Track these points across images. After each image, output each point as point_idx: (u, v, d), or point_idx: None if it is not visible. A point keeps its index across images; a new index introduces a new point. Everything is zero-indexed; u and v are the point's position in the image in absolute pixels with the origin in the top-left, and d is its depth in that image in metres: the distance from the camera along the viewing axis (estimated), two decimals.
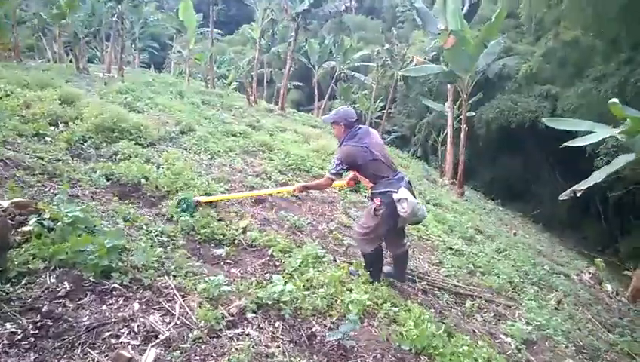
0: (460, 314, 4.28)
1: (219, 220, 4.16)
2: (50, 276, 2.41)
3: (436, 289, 4.52)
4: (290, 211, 5.37)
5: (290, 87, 27.60)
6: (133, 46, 27.99)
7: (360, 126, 3.81)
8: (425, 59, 19.09)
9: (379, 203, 3.65)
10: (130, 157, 5.22)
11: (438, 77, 15.80)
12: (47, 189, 3.63)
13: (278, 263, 3.73)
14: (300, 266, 3.60)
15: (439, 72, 13.65)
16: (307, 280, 3.40)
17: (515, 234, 10.57)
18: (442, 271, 5.27)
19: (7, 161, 3.90)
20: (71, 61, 19.00)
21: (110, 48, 20.80)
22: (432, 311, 3.91)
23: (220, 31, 30.93)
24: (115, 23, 18.33)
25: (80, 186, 4.01)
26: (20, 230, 2.72)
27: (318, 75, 26.71)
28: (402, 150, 22.06)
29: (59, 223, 2.76)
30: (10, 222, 2.79)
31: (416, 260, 5.31)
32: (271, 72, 30.44)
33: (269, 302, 2.85)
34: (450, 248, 6.33)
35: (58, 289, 2.32)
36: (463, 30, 12.07)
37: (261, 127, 10.96)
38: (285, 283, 3.07)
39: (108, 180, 4.43)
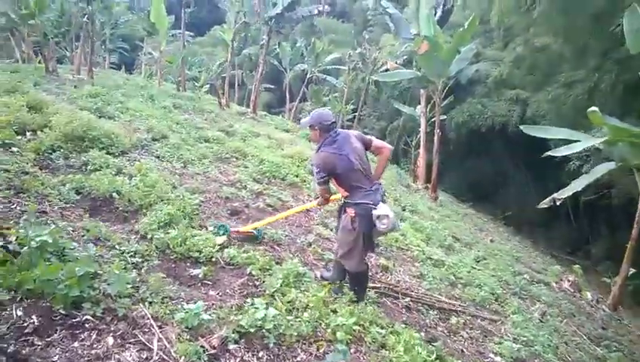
0: (446, 331, 4.27)
1: (193, 236, 4.03)
2: (16, 309, 2.26)
3: (420, 304, 4.51)
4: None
5: (262, 90, 27.43)
6: (103, 47, 27.20)
7: (339, 131, 3.55)
8: (396, 63, 19.39)
9: (353, 214, 3.46)
10: (102, 168, 5.03)
11: (411, 82, 15.98)
12: (14, 207, 3.44)
13: (257, 283, 3.65)
14: (281, 286, 3.52)
15: (412, 77, 13.82)
16: (289, 302, 3.32)
17: (491, 240, 10.75)
18: (424, 285, 5.27)
19: None
20: (40, 62, 18.28)
21: (80, 49, 20.14)
22: (419, 329, 3.90)
23: (191, 33, 30.47)
24: (85, 24, 17.79)
25: (49, 202, 3.82)
26: None
27: (289, 78, 26.62)
28: None
29: (25, 248, 2.60)
30: None
31: (397, 273, 5.30)
32: (242, 74, 30.18)
33: (252, 330, 2.76)
34: (430, 258, 6.35)
35: (25, 324, 2.17)
36: (436, 36, 12.26)
37: (234, 132, 10.81)
38: (267, 306, 2.99)
39: (78, 194, 4.24)
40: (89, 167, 5.02)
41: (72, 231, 3.43)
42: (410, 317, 4.28)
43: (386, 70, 18.42)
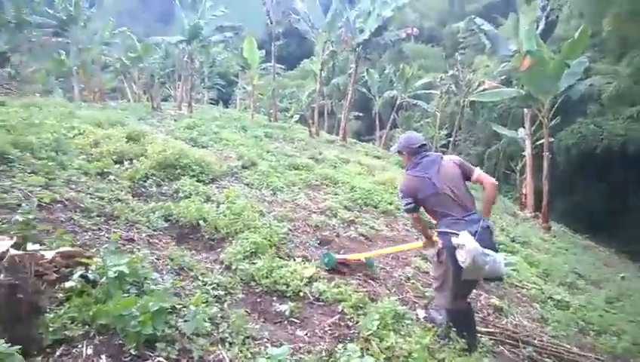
0: None
1: (280, 267, 3.71)
2: (87, 347, 2.05)
3: (545, 355, 3.74)
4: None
5: (351, 118, 27.45)
6: (202, 84, 29.33)
7: (427, 153, 3.25)
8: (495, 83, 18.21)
9: (440, 246, 3.11)
10: (191, 195, 5.00)
11: (514, 101, 14.80)
12: (102, 234, 3.40)
13: (350, 323, 3.20)
14: (377, 329, 3.03)
15: (515, 95, 12.72)
16: (388, 349, 2.83)
17: (622, 278, 9.21)
18: (548, 331, 4.45)
19: (66, 202, 3.75)
20: (147, 100, 20.06)
21: (181, 87, 21.81)
22: None
23: (281, 66, 31.73)
24: (185, 64, 19.21)
25: (137, 229, 3.77)
26: (62, 286, 2.42)
27: (378, 105, 26.32)
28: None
29: (103, 278, 2.44)
30: (54, 275, 2.52)
31: (513, 316, 4.54)
32: (331, 103, 30.53)
33: None
34: (551, 298, 5.44)
35: None
36: (540, 50, 11.20)
37: (324, 159, 10.61)
38: (362, 354, 2.53)
39: (167, 221, 4.18)
40: (179, 194, 5.01)
41: (157, 259, 3.28)
42: None
43: (484, 90, 17.43)
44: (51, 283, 2.47)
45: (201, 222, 4.19)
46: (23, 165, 4.30)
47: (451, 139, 23.57)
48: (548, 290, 5.64)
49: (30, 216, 2.98)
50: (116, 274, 2.42)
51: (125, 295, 2.45)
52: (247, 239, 3.96)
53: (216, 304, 2.90)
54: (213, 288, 3.07)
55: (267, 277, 3.50)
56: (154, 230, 3.88)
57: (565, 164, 17.44)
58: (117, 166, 5.32)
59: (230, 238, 4.12)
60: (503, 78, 19.72)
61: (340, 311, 3.33)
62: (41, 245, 2.71)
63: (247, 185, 6.52)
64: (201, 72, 26.65)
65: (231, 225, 4.28)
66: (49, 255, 2.55)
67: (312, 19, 16.66)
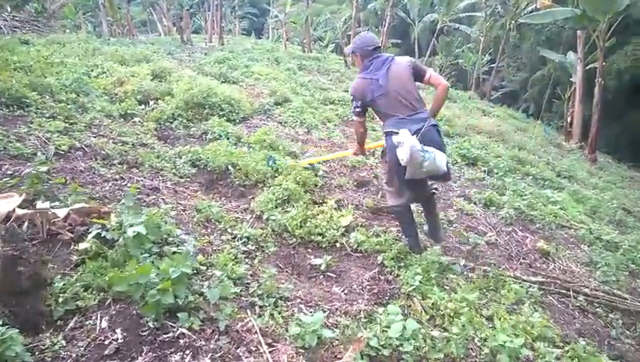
0: (635, 344, 3.13)
1: (315, 216, 3.41)
2: (101, 319, 1.84)
3: (597, 305, 3.38)
4: None
5: (389, 45, 25.94)
6: (233, 14, 28.21)
7: (378, 54, 3.08)
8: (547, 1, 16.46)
9: (384, 145, 3.12)
10: (220, 136, 4.69)
11: (568, 22, 13.30)
12: (124, 183, 3.16)
13: (390, 277, 2.91)
14: (420, 283, 2.73)
15: (570, 15, 11.35)
16: (432, 307, 2.54)
17: None
18: (597, 276, 4.05)
19: (87, 149, 3.52)
20: (177, 33, 19.47)
21: (211, 18, 20.98)
22: (599, 342, 2.86)
23: None
24: None
25: (162, 177, 3.52)
26: (76, 247, 2.21)
27: (417, 30, 24.60)
28: (511, 107, 19.56)
29: (120, 239, 2.20)
30: (69, 234, 2.30)
31: (561, 260, 4.14)
32: (368, 29, 28.85)
33: (386, 353, 2.05)
34: (599, 238, 4.97)
35: (107, 343, 1.73)
36: None
37: None
38: (404, 316, 2.25)
39: (194, 166, 3.91)
40: (208, 136, 4.72)
41: (183, 210, 3.04)
42: (586, 323, 3.20)
43: (535, 10, 15.78)
44: (65, 243, 2.26)
45: (230, 167, 3.89)
46: (42, 109, 4.06)
47: (494, 65, 22.03)
48: (596, 230, 5.14)
49: (42, 169, 2.76)
50: (134, 234, 2.17)
51: (146, 255, 2.23)
52: (279, 185, 3.66)
53: (246, 261, 2.65)
54: (243, 242, 2.81)
55: (301, 227, 3.22)
56: (180, 177, 3.63)
57: (616, 89, 15.93)
58: (141, 106, 5.04)
59: (262, 184, 3.83)
60: None
61: (379, 263, 3.04)
62: (54, 201, 2.49)
63: (280, 123, 6.15)
64: (231, 0, 25.48)
65: (262, 169, 3.97)
66: (62, 213, 2.32)
67: None
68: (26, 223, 2.27)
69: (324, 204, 3.71)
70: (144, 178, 3.35)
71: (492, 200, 4.97)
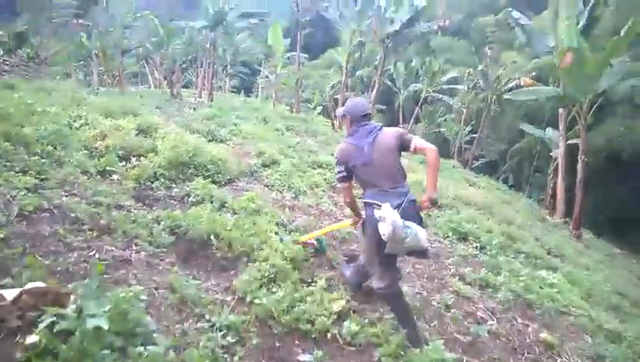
0: None
1: (303, 299, 3.09)
2: None
3: None
4: None
5: (375, 111, 26.61)
6: (224, 72, 28.81)
7: (367, 122, 3.10)
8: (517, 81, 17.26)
9: (364, 217, 3.12)
10: (204, 200, 4.40)
11: (550, 100, 13.84)
12: (91, 254, 2.81)
13: None
14: None
15: (553, 94, 11.82)
16: None
17: None
18: None
19: (55, 210, 3.18)
20: (168, 86, 19.61)
21: (202, 74, 21.31)
22: None
23: (305, 55, 30.94)
24: (208, 50, 18.66)
25: (136, 246, 3.17)
26: (23, 340, 1.83)
27: (402, 98, 25.43)
28: (491, 176, 19.90)
29: (78, 330, 1.84)
30: (17, 322, 1.93)
31: (567, 354, 3.84)
32: (355, 95, 29.67)
33: None
34: (600, 327, 4.72)
35: None
36: (582, 47, 10.30)
37: None
38: None
39: (172, 234, 3.57)
40: (190, 198, 4.42)
41: (156, 289, 2.68)
42: None
43: (516, 87, 16.47)
44: (11, 333, 1.89)
45: (212, 236, 3.57)
46: (12, 162, 3.73)
47: (475, 135, 22.71)
48: (596, 318, 4.91)
49: None
50: (94, 327, 1.82)
51: (106, 352, 1.86)
52: (265, 261, 3.34)
53: (225, 356, 2.28)
54: (222, 334, 2.44)
55: (288, 312, 2.88)
56: (156, 246, 3.28)
57: (593, 166, 16.45)
58: (122, 163, 4.75)
59: (246, 257, 3.51)
60: (533, 74, 18.82)
61: (376, 360, 2.69)
62: (6, 277, 2.13)
63: (267, 186, 5.90)
64: (223, 59, 26.09)
65: (247, 239, 3.66)
66: (11, 294, 1.96)
67: (341, 8, 15.87)
68: None
69: (313, 284, 3.39)
70: (115, 247, 3.00)
71: (488, 281, 4.72)
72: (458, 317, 3.80)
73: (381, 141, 2.99)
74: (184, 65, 23.89)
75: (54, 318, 1.93)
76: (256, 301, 2.83)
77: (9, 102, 5.34)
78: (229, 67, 28.39)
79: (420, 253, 3.05)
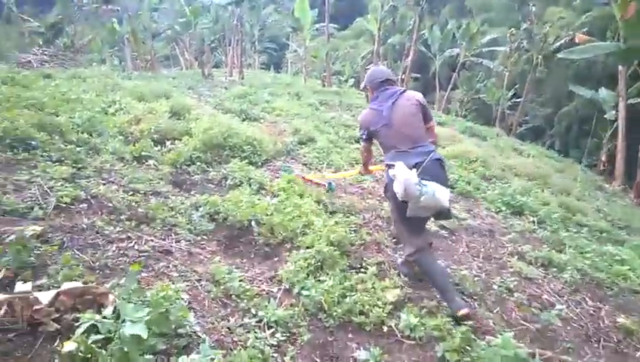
0: None
1: (354, 287, 2.87)
2: None
3: None
4: (445, 253, 3.95)
5: (410, 80, 25.74)
6: (252, 48, 28.46)
7: (387, 87, 3.11)
8: (572, 38, 16.06)
9: (385, 180, 3.06)
10: (242, 183, 4.22)
11: (610, 57, 12.74)
12: (130, 245, 2.68)
13: None
14: None
15: (614, 49, 10.79)
16: None
17: None
18: None
19: (92, 200, 3.07)
20: (199, 67, 19.55)
21: (231, 52, 21.09)
22: None
23: (335, 25, 30.18)
24: (235, 27, 18.39)
25: (176, 235, 3.04)
26: (60, 347, 1.70)
27: (438, 64, 24.36)
28: (535, 143, 18.93)
29: (117, 335, 1.70)
30: (54, 325, 1.81)
31: None
32: (387, 64, 28.79)
33: None
34: None
35: None
36: None
37: None
38: None
39: (212, 220, 3.42)
40: (228, 182, 4.26)
41: (198, 281, 2.53)
42: None
43: (566, 45, 15.39)
44: (49, 337, 1.77)
45: (253, 222, 3.39)
46: (49, 152, 3.66)
47: (518, 99, 21.51)
48: None
49: (35, 230, 2.29)
50: (131, 335, 1.66)
51: (149, 357, 1.71)
52: (310, 247, 3.14)
53: (275, 356, 2.10)
54: (271, 331, 2.26)
55: (339, 303, 2.67)
56: (196, 234, 3.14)
57: None
58: (157, 147, 4.63)
59: (289, 243, 3.32)
60: (585, 30, 17.47)
61: (439, 356, 2.45)
62: (42, 277, 2.01)
63: (306, 165, 5.69)
64: (251, 35, 25.72)
65: (289, 223, 3.46)
66: (47, 296, 1.83)
67: None
68: (3, 310, 1.79)
69: (363, 270, 3.17)
70: (154, 237, 2.87)
71: (551, 259, 4.32)
72: (522, 302, 3.49)
73: (401, 104, 3.00)
74: (213, 45, 23.66)
75: (92, 322, 1.79)
76: (304, 292, 2.64)
77: (43, 91, 5.30)
78: (257, 43, 27.97)
79: (443, 213, 3.00)
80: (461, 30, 22.45)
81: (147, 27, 18.82)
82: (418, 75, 29.29)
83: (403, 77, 19.24)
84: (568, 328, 3.18)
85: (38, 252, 2.20)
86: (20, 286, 1.79)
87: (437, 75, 24.71)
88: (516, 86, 22.08)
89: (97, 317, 1.76)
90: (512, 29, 21.08)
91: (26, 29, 17.65)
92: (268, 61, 33.73)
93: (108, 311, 1.89)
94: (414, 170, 2.71)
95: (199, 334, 1.99)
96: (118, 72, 11.89)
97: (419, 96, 3.09)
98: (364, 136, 3.21)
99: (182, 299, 2.12)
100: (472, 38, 22.20)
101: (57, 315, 1.85)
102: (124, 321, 1.72)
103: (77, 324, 1.79)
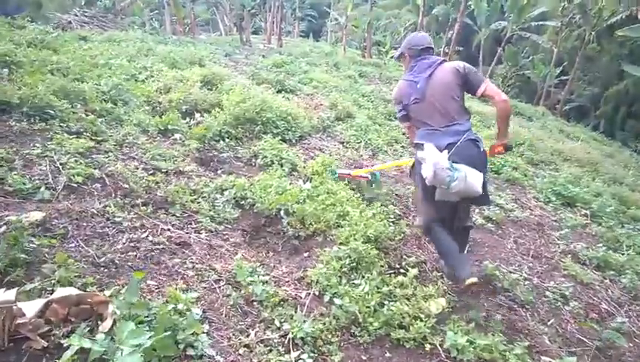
0: None
1: (392, 294, 2.51)
2: None
3: None
4: (491, 249, 3.54)
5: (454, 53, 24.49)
6: (293, 16, 27.74)
7: (426, 56, 2.76)
8: (631, 13, 14.66)
9: (415, 160, 2.81)
10: (273, 163, 3.87)
11: None
12: (144, 235, 2.38)
13: None
14: None
15: None
16: None
17: None
18: None
19: (107, 179, 2.79)
20: (238, 33, 19.13)
21: (271, 19, 20.53)
22: None
23: None
24: None
25: (196, 224, 2.73)
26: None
27: (483, 38, 23.01)
28: (580, 123, 17.72)
29: (118, 346, 1.40)
30: (41, 342, 1.52)
31: None
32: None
33: None
34: None
35: None
36: None
37: None
38: None
39: (238, 206, 3.10)
40: (258, 161, 3.91)
41: (216, 282, 2.22)
42: None
43: (622, 21, 14.08)
44: (34, 357, 1.49)
45: (282, 211, 3.05)
46: (68, 121, 3.39)
47: (565, 77, 20.12)
48: None
49: (36, 217, 2.02)
50: (133, 349, 1.36)
51: None
52: (345, 244, 2.77)
53: None
54: (298, 353, 1.92)
55: (375, 313, 2.31)
56: (219, 223, 2.82)
57: None
58: (186, 120, 4.31)
59: (321, 236, 2.96)
60: None
61: None
62: (33, 279, 1.73)
63: (342, 143, 5.28)
64: (292, 2, 24.98)
65: (322, 214, 3.10)
66: (34, 307, 1.55)
67: None
68: None
69: (402, 271, 2.79)
70: (172, 226, 2.57)
71: (608, 261, 3.85)
72: (579, 312, 3.07)
73: (439, 76, 2.67)
74: (253, 11, 23.14)
75: (86, 336, 1.50)
76: (337, 300, 2.28)
77: (72, 55, 5.05)
78: (297, 10, 27.24)
79: (478, 199, 2.65)
80: (510, 1, 20.98)
81: None
82: (460, 48, 27.91)
83: (447, 50, 18.25)
84: (631, 344, 2.74)
85: (36, 244, 1.93)
86: (1, 295, 1.51)
87: (481, 49, 23.43)
88: (565, 63, 20.65)
89: (94, 334, 1.47)
90: (564, 2, 19.48)
91: None
92: (307, 29, 32.98)
93: (106, 323, 1.60)
94: (445, 151, 2.49)
95: (212, 354, 1.68)
96: (154, 35, 11.61)
97: (460, 64, 2.70)
98: (401, 113, 2.86)
99: (196, 309, 1.81)
100: (521, 11, 20.78)
101: (46, 329, 1.57)
102: (120, 345, 1.41)
103: (70, 335, 1.51)
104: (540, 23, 23.00)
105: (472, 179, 2.45)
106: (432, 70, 2.68)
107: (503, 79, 25.10)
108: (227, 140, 4.13)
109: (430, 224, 2.73)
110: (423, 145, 2.57)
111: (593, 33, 18.51)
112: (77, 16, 15.52)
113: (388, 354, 2.16)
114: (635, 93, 17.84)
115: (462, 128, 2.61)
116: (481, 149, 2.65)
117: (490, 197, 3.45)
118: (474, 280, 2.50)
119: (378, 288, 2.49)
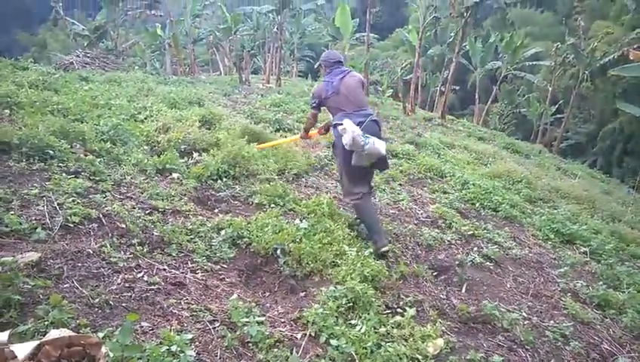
0: None
1: (389, 334, 2.48)
2: None
3: None
4: (491, 289, 3.52)
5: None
6: (291, 56, 28.44)
7: (338, 67, 3.85)
8: (623, 53, 15.15)
9: (334, 138, 3.78)
10: (270, 202, 3.90)
11: None
12: (140, 275, 2.37)
13: None
14: None
15: None
16: None
17: None
18: None
19: (104, 219, 2.80)
20: (238, 73, 19.61)
21: (270, 59, 21.07)
22: None
23: (375, 35, 29.77)
24: (275, 34, 18.33)
25: (192, 263, 2.72)
26: None
27: (479, 77, 23.57)
28: (576, 160, 17.90)
29: None
30: None
31: None
32: (426, 75, 28.08)
33: None
34: None
35: None
36: None
37: (424, 143, 9.03)
38: None
39: (234, 245, 3.10)
40: (255, 200, 3.94)
41: (211, 323, 2.20)
42: None
43: (613, 62, 14.53)
44: None
45: (278, 250, 3.05)
46: (66, 162, 3.44)
47: (564, 115, 20.45)
48: None
49: (31, 258, 2.02)
50: None
51: None
52: (341, 284, 2.76)
53: None
54: None
55: (372, 354, 2.28)
56: (215, 262, 2.82)
57: None
58: (184, 160, 4.37)
59: (318, 275, 2.95)
60: (637, 46, 16.46)
61: None
62: (27, 322, 1.72)
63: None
64: (290, 43, 25.71)
65: (319, 253, 3.10)
66: (25, 349, 1.53)
67: None
68: None
69: (399, 311, 2.77)
70: (167, 266, 2.56)
71: (608, 299, 3.81)
72: (580, 352, 3.02)
73: (348, 80, 3.74)
74: (253, 51, 23.80)
75: None
76: (333, 341, 2.25)
77: (73, 95, 5.16)
78: (296, 51, 27.94)
79: (381, 162, 3.70)
80: (504, 42, 21.72)
81: (189, 32, 19.04)
82: (456, 87, 28.56)
83: (442, 88, 18.62)
84: None
85: (31, 285, 1.92)
86: None
87: (477, 88, 23.96)
88: (561, 101, 21.12)
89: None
90: (557, 43, 20.13)
91: (72, 32, 18.11)
92: (306, 69, 33.71)
93: None
94: (358, 127, 3.40)
95: None
96: (155, 75, 11.89)
97: (361, 76, 4.03)
98: (314, 104, 3.88)
99: (188, 352, 1.78)
100: (515, 51, 21.44)
101: None
102: None
103: None
104: (534, 63, 23.67)
105: (378, 144, 3.46)
106: (343, 75, 3.73)
107: (499, 117, 25.56)
108: (225, 179, 4.17)
109: (362, 197, 3.65)
110: (341, 123, 3.44)
111: (587, 72, 18.99)
112: (79, 57, 15.90)
113: None
114: (631, 131, 18.13)
115: (367, 112, 3.68)
116: (380, 126, 3.78)
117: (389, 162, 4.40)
118: (386, 248, 3.47)
119: (375, 328, 2.46)
